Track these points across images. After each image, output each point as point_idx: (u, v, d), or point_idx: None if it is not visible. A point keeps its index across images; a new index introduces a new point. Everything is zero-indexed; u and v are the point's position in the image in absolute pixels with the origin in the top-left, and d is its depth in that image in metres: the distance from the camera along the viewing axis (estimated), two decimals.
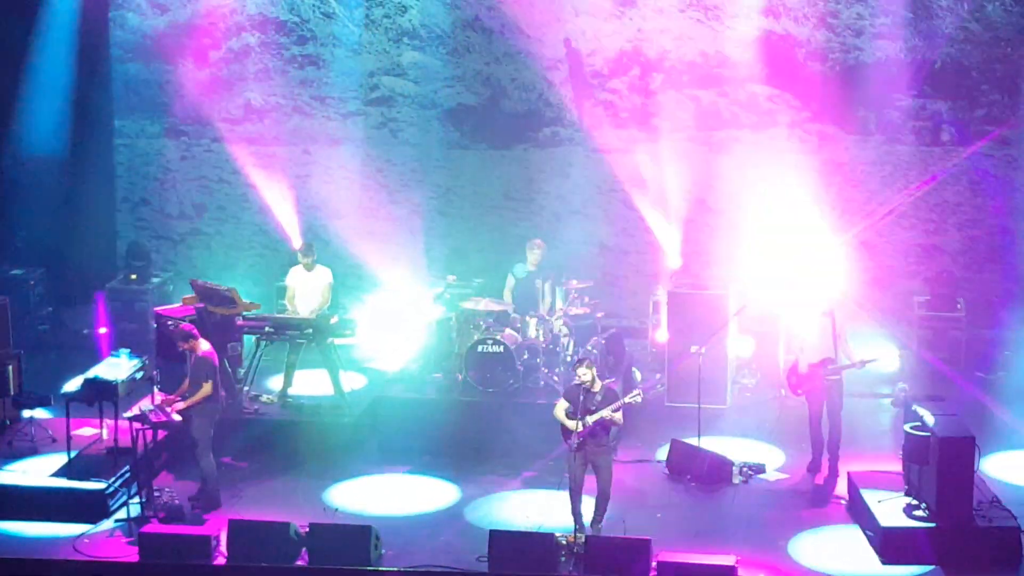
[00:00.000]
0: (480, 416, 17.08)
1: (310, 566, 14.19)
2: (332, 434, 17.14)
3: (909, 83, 20.16)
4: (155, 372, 16.87)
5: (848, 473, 15.68)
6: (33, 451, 16.68)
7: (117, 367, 16.39)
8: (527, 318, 17.70)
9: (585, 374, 14.46)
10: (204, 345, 15.69)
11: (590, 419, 14.40)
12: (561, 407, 14.67)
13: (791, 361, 16.58)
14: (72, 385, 16.32)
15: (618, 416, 14.50)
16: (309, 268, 18.05)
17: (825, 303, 16.50)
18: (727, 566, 13.67)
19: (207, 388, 15.44)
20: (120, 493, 15.52)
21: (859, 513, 15.10)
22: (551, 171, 21.08)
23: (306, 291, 17.99)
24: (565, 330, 17.57)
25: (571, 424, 14.45)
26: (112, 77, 21.40)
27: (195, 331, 15.79)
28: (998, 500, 14.73)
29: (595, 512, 14.74)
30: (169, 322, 17.03)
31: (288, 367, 17.88)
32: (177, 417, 15.33)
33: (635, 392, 14.78)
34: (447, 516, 15.57)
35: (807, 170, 20.40)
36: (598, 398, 14.50)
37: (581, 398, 14.46)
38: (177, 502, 15.30)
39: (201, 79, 21.33)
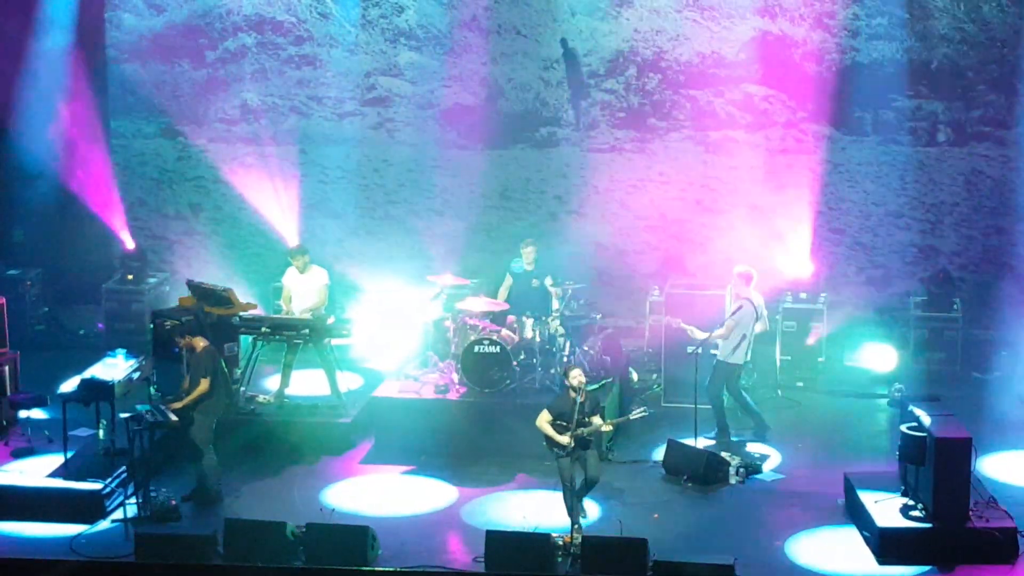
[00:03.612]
0: (477, 416, 17.06)
1: (307, 566, 14.17)
2: (329, 434, 17.14)
3: (905, 84, 20.17)
4: (152, 372, 16.84)
5: (845, 473, 15.67)
6: (30, 451, 16.69)
7: (114, 367, 16.39)
8: (523, 318, 17.68)
9: (580, 378, 14.52)
10: (203, 341, 15.67)
11: (585, 431, 14.50)
12: (545, 419, 14.68)
13: None
14: (69, 385, 16.29)
15: (608, 426, 14.71)
16: (302, 270, 17.99)
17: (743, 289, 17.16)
18: (724, 566, 13.66)
19: (204, 385, 15.41)
20: (117, 493, 15.50)
21: (856, 513, 15.10)
22: (548, 171, 21.08)
23: (302, 292, 17.96)
24: (562, 330, 17.55)
25: (564, 440, 14.50)
26: (108, 78, 21.39)
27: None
28: (995, 500, 14.73)
29: (582, 489, 14.78)
30: (167, 322, 17.02)
31: (285, 367, 17.87)
32: (173, 417, 15.31)
33: (641, 409, 15.02)
34: (444, 516, 15.54)
35: (803, 170, 20.42)
36: (586, 407, 14.57)
37: (575, 410, 14.50)
38: (173, 502, 15.29)
39: (197, 79, 21.33)
